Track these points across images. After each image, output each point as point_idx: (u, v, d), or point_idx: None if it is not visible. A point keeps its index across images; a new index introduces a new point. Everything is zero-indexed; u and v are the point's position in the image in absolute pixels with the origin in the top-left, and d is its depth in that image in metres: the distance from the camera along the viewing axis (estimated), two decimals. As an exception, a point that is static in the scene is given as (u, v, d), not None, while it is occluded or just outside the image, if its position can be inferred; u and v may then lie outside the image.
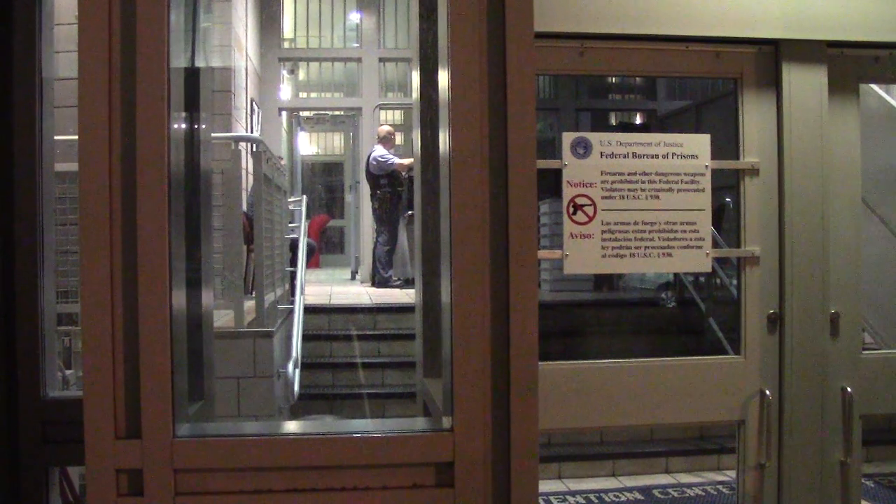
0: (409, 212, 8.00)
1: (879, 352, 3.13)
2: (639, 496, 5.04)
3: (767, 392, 2.49)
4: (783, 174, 2.52)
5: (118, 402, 1.51)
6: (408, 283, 8.22)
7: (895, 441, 5.52)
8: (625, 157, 2.43)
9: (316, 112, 12.93)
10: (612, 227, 2.42)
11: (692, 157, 2.46)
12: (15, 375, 2.00)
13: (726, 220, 5.43)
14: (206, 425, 1.76)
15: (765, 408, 2.49)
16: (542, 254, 2.50)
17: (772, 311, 2.53)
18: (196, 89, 1.96)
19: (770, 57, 2.54)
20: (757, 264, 2.53)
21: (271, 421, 4.62)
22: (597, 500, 4.97)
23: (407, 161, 7.96)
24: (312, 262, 10.87)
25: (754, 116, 2.54)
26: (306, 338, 6.11)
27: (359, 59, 10.49)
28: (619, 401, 2.47)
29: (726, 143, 2.63)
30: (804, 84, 2.52)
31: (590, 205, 2.41)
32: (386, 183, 8.34)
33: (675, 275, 6.68)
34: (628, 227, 2.42)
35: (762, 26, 2.49)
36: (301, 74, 11.80)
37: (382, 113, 10.65)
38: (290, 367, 5.24)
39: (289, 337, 5.73)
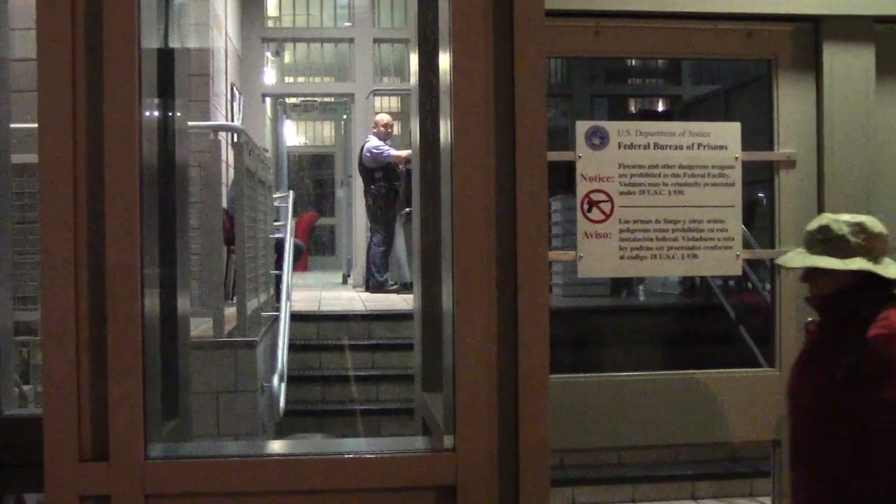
0: (407, 209, 8.01)
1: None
2: (662, 524, 5.04)
3: (805, 409, 2.48)
4: (823, 166, 2.52)
5: (83, 420, 1.51)
6: (405, 287, 8.23)
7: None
8: (645, 147, 2.43)
9: (304, 98, 12.97)
10: (631, 226, 2.41)
11: (721, 147, 2.46)
12: (-32, 391, 2.00)
13: (759, 217, 5.42)
14: (181, 445, 1.76)
15: (802, 426, 2.48)
16: (553, 255, 2.50)
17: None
18: (170, 72, 1.96)
19: (809, 35, 2.54)
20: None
21: (254, 440, 4.62)
22: (615, 529, 4.96)
23: (404, 153, 7.97)
24: (300, 264, 10.89)
25: (791, 102, 2.54)
26: (293, 348, 6.11)
27: (351, 40, 10.50)
28: (638, 418, 2.47)
29: (759, 133, 2.62)
30: (848, 65, 2.51)
31: (606, 201, 2.41)
32: (381, 177, 8.35)
33: (702, 278, 6.68)
34: (649, 225, 2.42)
35: (800, 1, 2.48)
36: (287, 57, 11.82)
37: (377, 100, 10.66)
38: (276, 380, 5.25)
39: (274, 347, 5.74)
